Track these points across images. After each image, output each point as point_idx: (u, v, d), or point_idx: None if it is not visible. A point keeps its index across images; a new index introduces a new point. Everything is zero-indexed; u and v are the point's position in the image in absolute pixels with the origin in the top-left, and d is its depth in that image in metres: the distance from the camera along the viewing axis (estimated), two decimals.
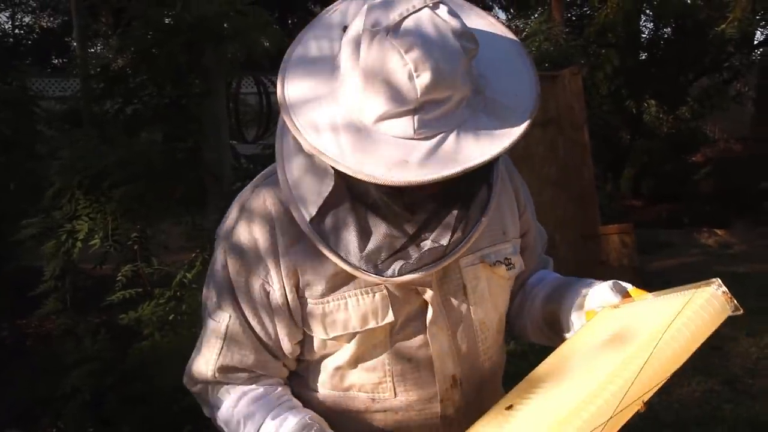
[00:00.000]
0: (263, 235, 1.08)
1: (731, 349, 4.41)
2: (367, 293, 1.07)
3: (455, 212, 1.04)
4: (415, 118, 0.91)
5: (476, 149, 0.91)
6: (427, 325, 1.11)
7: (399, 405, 1.14)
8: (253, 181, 1.16)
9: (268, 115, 5.22)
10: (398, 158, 0.90)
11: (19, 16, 17.52)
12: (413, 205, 1.03)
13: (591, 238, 5.45)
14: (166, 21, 3.43)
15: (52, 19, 17.72)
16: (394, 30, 0.90)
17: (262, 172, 1.17)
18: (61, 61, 17.13)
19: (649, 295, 1.08)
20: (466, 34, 0.93)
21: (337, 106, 0.96)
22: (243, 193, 1.15)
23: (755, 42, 11.41)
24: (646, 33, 10.83)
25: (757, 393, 3.78)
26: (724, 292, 0.95)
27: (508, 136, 0.93)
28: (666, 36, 10.64)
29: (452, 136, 0.92)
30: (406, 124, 0.91)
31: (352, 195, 1.02)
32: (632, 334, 0.96)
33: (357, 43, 0.93)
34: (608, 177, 8.99)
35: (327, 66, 0.99)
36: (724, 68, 10.84)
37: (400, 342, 1.11)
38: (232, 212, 1.14)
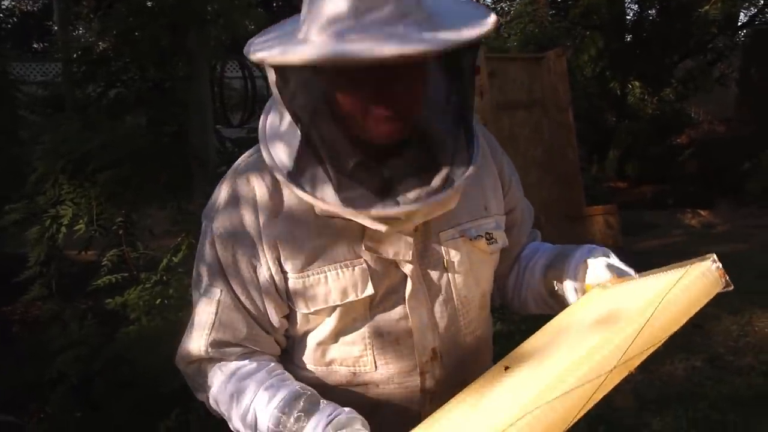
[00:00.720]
0: (248, 211, 1.11)
1: (713, 327, 4.48)
2: (347, 267, 1.10)
3: (430, 170, 1.07)
4: (357, 23, 0.92)
5: (420, 43, 0.92)
6: (406, 298, 1.13)
7: (379, 378, 1.16)
8: (238, 160, 1.19)
9: (253, 99, 5.19)
10: (333, 48, 0.93)
11: None
12: (389, 159, 1.06)
13: (576, 219, 5.50)
14: (148, 3, 3.39)
15: (32, 2, 17.44)
16: None
17: (247, 152, 1.19)
18: (41, 44, 16.90)
19: (636, 276, 1.12)
20: None
21: (293, 35, 1.00)
22: (229, 173, 1.18)
23: (739, 23, 11.47)
24: (631, 15, 10.85)
25: (738, 370, 3.84)
26: (718, 268, 0.99)
27: (457, 39, 0.94)
28: (651, 18, 10.66)
29: (394, 40, 0.92)
30: (347, 29, 0.93)
31: (328, 155, 1.04)
32: (627, 305, 0.99)
33: None
34: (593, 158, 9.05)
35: (295, 24, 1.03)
36: (708, 50, 10.90)
37: (379, 315, 1.13)
38: (218, 191, 1.17)
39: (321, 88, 1.02)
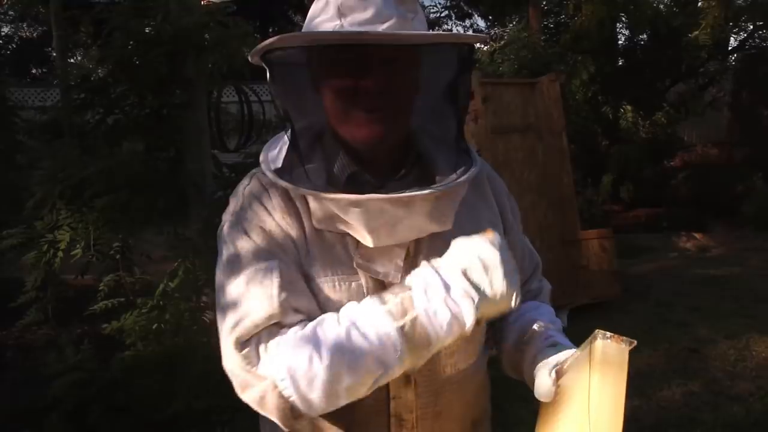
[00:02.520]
0: (266, 211, 1.12)
1: (710, 352, 4.48)
2: (343, 281, 1.11)
3: (413, 171, 1.13)
4: (340, 23, 1.05)
5: (389, 31, 1.04)
6: None
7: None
8: (248, 174, 1.23)
9: (250, 124, 5.22)
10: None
11: None
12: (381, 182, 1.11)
13: (571, 243, 5.51)
14: (147, 31, 3.44)
15: (31, 29, 17.56)
16: None
17: (257, 168, 1.24)
18: (40, 71, 16.98)
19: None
20: None
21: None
22: (240, 183, 1.20)
23: (729, 48, 11.60)
24: (623, 40, 10.98)
25: (736, 396, 3.82)
26: (611, 337, 0.97)
27: (429, 36, 1.07)
28: (642, 43, 10.78)
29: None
30: (333, 23, 1.06)
31: (326, 172, 1.11)
32: (572, 413, 1.01)
33: None
34: (587, 182, 9.07)
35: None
36: (699, 74, 11.00)
37: None
38: (234, 200, 1.17)
39: (306, 85, 1.11)
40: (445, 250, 1.13)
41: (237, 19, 3.59)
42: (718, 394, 3.85)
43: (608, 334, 0.97)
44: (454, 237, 1.15)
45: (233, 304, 1.05)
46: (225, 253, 1.11)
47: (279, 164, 1.13)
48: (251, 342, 1.03)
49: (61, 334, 3.54)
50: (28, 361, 4.07)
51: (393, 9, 1.04)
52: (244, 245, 1.09)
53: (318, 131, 1.15)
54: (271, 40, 1.04)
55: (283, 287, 1.04)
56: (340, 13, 1.04)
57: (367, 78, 1.04)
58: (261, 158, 1.17)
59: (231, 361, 1.04)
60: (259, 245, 1.08)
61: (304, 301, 1.06)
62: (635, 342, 0.97)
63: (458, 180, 1.11)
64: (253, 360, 1.02)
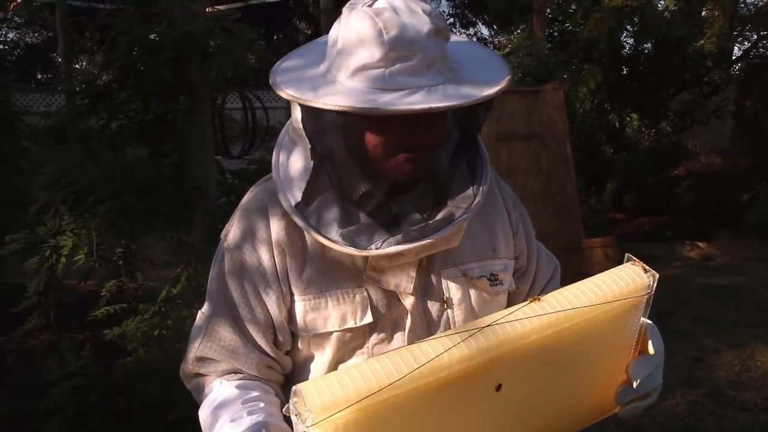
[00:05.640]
0: (260, 227, 1.14)
1: (714, 362, 4.45)
2: (348, 294, 1.11)
3: (435, 206, 1.10)
4: (386, 71, 0.98)
5: (443, 100, 0.97)
6: (406, 332, 1.13)
7: None
8: (254, 185, 1.22)
9: (254, 131, 5.24)
10: (365, 97, 0.97)
11: (4, 32, 17.42)
12: (397, 199, 1.09)
13: (574, 251, 5.49)
14: (152, 37, 3.44)
15: (36, 35, 17.65)
16: (369, 4, 1.00)
17: (263, 177, 1.22)
18: (45, 76, 17.07)
19: None
20: (434, 13, 1.02)
21: (319, 72, 1.05)
22: (245, 196, 1.21)
23: (733, 57, 11.60)
24: (627, 48, 10.97)
25: (741, 405, 3.80)
26: (635, 262, 1.08)
27: (476, 95, 0.99)
28: (647, 51, 10.77)
29: (421, 92, 0.97)
30: (376, 77, 0.98)
31: (339, 184, 1.07)
32: None
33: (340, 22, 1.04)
34: (591, 190, 9.06)
35: (321, 50, 1.08)
36: (703, 83, 10.99)
37: (378, 347, 1.14)
38: (234, 214, 1.21)
39: (346, 127, 1.04)
40: (458, 258, 1.16)
41: (242, 26, 3.60)
42: (723, 404, 3.82)
43: (635, 259, 1.09)
44: (467, 244, 1.16)
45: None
46: (210, 272, 1.21)
47: (294, 183, 1.10)
48: (192, 380, 1.20)
49: (62, 340, 3.54)
50: (30, 367, 4.06)
51: (435, 48, 0.99)
52: (214, 272, 1.18)
53: (332, 153, 1.10)
54: (329, 106, 0.97)
55: (203, 340, 1.15)
56: (388, 60, 0.97)
57: (413, 128, 1.02)
58: (273, 171, 1.15)
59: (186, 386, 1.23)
60: (221, 277, 1.16)
61: (222, 348, 1.14)
62: (657, 275, 1.07)
63: (466, 214, 1.10)
64: (196, 395, 1.20)
